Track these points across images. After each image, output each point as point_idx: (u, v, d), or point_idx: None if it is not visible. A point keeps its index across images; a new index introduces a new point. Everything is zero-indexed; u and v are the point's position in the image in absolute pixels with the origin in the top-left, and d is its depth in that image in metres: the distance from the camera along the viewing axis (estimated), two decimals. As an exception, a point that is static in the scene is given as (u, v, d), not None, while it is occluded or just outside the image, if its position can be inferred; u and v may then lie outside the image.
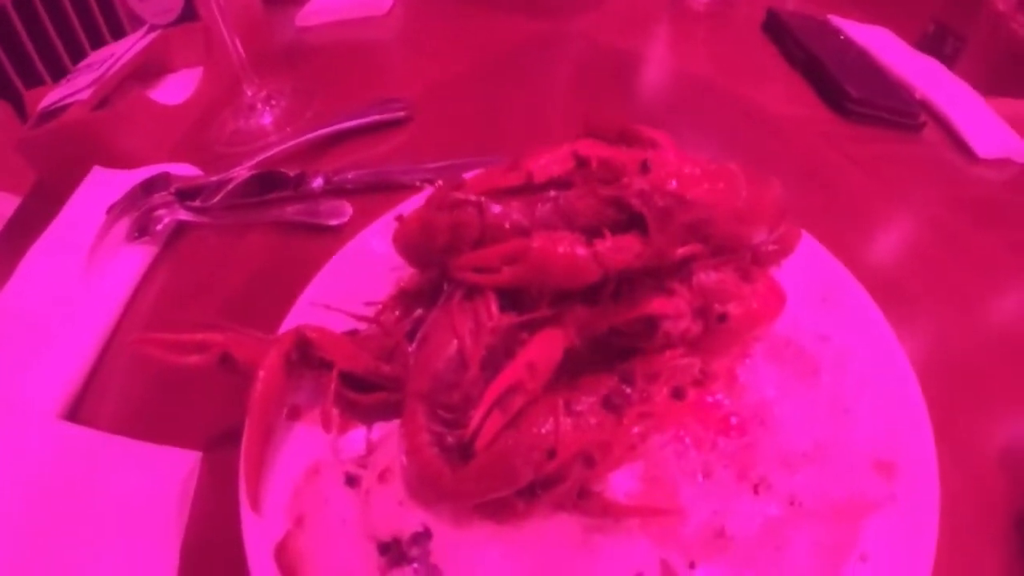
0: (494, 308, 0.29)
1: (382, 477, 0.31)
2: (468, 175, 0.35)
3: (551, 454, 0.27)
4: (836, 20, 0.81)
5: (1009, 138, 0.65)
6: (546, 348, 0.28)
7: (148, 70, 0.74)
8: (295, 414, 0.36)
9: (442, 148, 0.62)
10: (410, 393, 0.29)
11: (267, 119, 0.67)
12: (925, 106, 0.68)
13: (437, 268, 0.32)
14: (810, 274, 0.42)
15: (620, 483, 0.32)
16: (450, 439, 0.27)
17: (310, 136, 0.61)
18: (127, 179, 0.59)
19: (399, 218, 0.31)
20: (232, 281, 0.53)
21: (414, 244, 0.31)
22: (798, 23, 0.79)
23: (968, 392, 0.42)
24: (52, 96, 0.70)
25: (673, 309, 0.32)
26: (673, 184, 0.29)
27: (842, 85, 0.67)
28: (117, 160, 0.62)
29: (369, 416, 0.35)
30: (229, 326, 0.35)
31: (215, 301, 0.51)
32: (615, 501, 0.31)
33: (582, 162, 0.29)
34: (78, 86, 0.68)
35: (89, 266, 0.52)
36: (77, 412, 0.43)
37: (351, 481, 0.32)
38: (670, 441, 0.34)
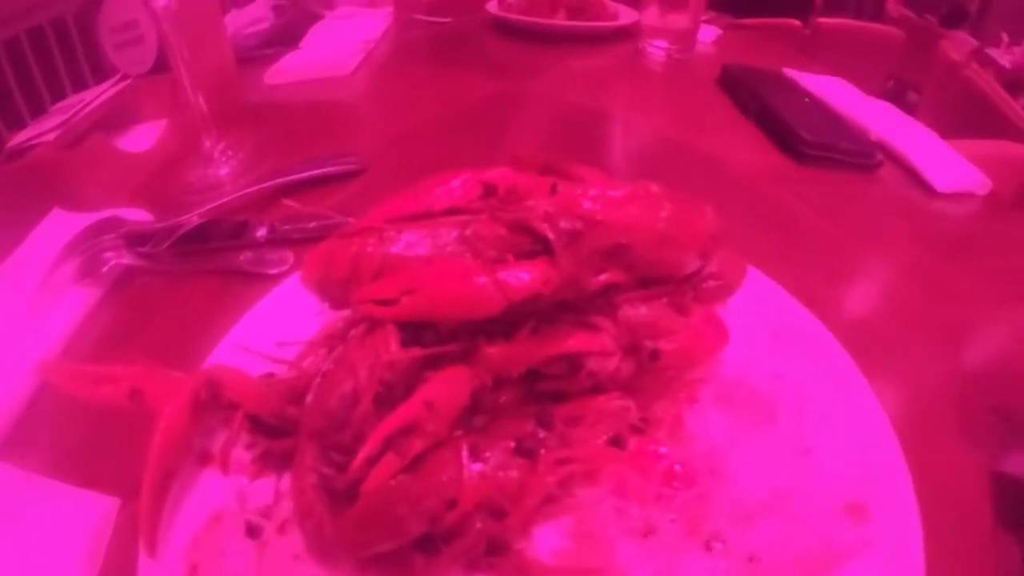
0: (393, 343, 0.27)
1: (282, 528, 0.29)
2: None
3: (451, 504, 0.25)
4: (790, 72, 0.83)
5: (967, 171, 0.65)
6: (448, 387, 0.27)
7: (116, 118, 0.75)
8: (205, 459, 0.34)
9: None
10: (302, 433, 0.27)
11: (223, 170, 0.67)
12: (881, 147, 0.68)
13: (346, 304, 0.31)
14: (759, 311, 0.40)
15: (546, 540, 0.30)
16: (339, 484, 0.25)
17: (261, 187, 0.61)
18: (84, 222, 0.58)
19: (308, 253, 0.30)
20: (168, 326, 0.52)
21: (318, 277, 0.30)
22: (752, 76, 0.81)
23: (946, 427, 0.40)
24: (21, 136, 0.70)
25: (597, 345, 0.31)
26: (585, 206, 0.29)
27: (795, 130, 0.67)
28: (77, 202, 0.62)
29: (280, 463, 0.33)
30: (146, 363, 0.34)
31: (148, 345, 0.50)
32: (535, 560, 0.28)
33: (490, 189, 0.29)
34: (46, 127, 0.69)
35: (34, 307, 0.51)
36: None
37: (252, 532, 0.30)
38: (608, 495, 0.32)
